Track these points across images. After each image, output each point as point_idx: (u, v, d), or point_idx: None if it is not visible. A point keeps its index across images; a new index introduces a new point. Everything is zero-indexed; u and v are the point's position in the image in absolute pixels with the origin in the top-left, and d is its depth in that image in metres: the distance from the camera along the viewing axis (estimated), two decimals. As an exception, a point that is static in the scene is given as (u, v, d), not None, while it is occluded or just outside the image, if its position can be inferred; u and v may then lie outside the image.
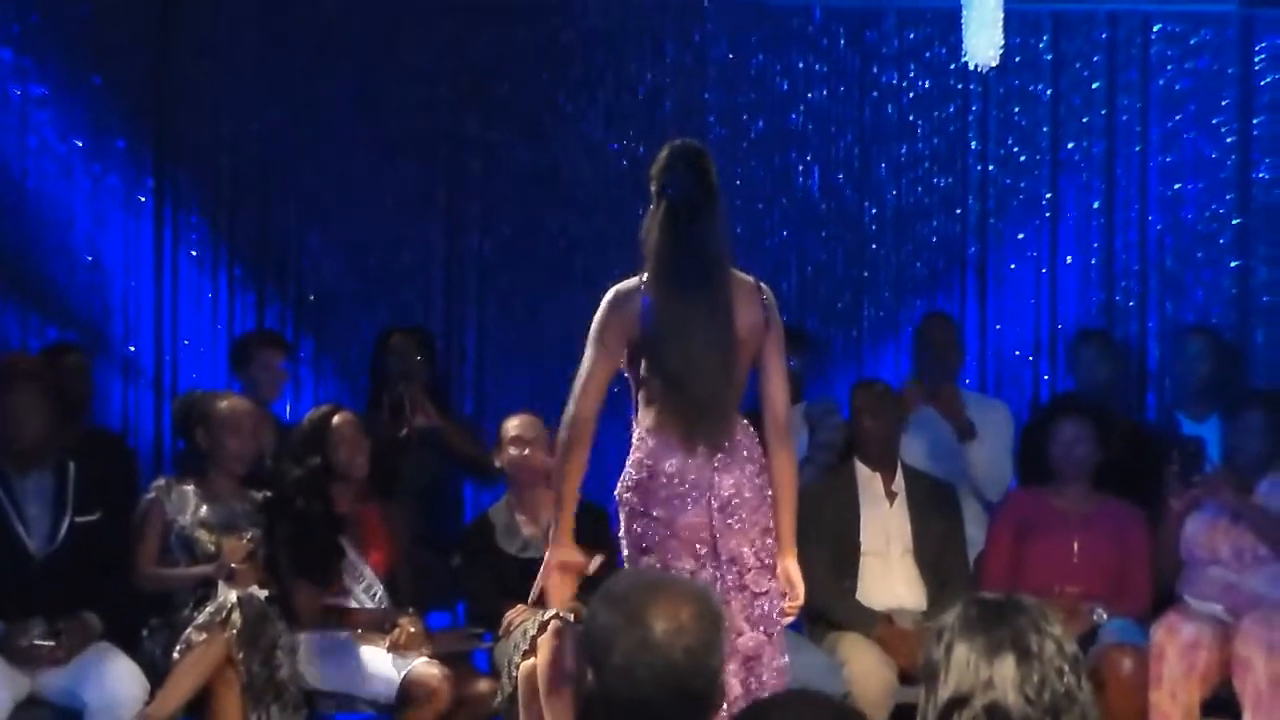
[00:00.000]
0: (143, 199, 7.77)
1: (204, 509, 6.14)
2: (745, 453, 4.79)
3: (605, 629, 2.85)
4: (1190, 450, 6.32)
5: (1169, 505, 6.27)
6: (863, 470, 6.49)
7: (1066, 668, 2.62)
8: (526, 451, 6.46)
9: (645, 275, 4.80)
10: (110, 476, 6.43)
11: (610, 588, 2.96)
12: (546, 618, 5.89)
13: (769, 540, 4.82)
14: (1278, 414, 6.27)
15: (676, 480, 4.74)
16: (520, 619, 6.06)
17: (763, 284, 4.89)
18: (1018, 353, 8.07)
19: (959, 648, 2.63)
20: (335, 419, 6.27)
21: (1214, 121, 8.03)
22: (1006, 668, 2.59)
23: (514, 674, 5.90)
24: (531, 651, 5.86)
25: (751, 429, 4.86)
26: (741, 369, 4.82)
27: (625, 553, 4.86)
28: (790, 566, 4.86)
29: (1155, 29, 8.05)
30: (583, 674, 2.88)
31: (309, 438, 6.26)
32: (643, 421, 4.82)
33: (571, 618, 5.90)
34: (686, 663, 2.80)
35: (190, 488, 6.18)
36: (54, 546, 5.81)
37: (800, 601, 4.90)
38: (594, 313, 4.83)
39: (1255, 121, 8.02)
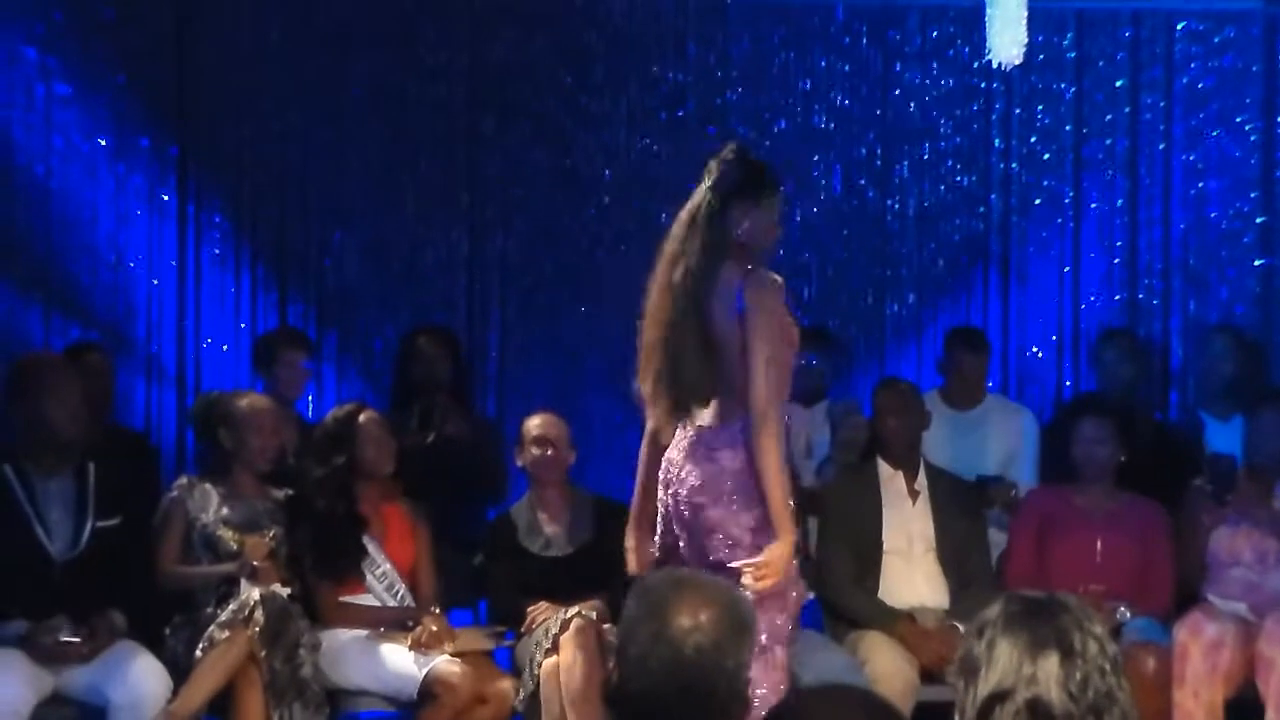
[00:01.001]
0: (166, 198, 7.76)
1: (226, 508, 6.15)
2: (709, 438, 4.79)
3: (630, 619, 2.90)
4: (1222, 469, 6.32)
5: (1198, 519, 6.26)
6: (885, 469, 6.48)
7: (1108, 667, 2.63)
8: (549, 451, 6.46)
9: None
10: (132, 476, 6.40)
11: (646, 580, 3.03)
12: (569, 616, 5.91)
13: (716, 535, 4.74)
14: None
15: (665, 457, 4.91)
16: (543, 617, 6.07)
17: (757, 271, 4.82)
18: (1040, 352, 8.04)
19: (1002, 643, 2.64)
20: (361, 417, 6.27)
21: (1238, 119, 8.00)
22: (1050, 664, 2.60)
23: (536, 672, 5.92)
24: (554, 650, 5.88)
25: (737, 414, 4.78)
26: (723, 356, 4.77)
27: None
28: (772, 547, 4.66)
29: (1179, 27, 8.02)
30: (609, 664, 2.92)
31: (335, 436, 6.25)
32: None
33: (594, 616, 5.92)
34: (695, 659, 2.81)
35: (212, 486, 6.19)
36: (75, 552, 5.77)
37: (764, 574, 4.62)
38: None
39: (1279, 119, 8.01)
